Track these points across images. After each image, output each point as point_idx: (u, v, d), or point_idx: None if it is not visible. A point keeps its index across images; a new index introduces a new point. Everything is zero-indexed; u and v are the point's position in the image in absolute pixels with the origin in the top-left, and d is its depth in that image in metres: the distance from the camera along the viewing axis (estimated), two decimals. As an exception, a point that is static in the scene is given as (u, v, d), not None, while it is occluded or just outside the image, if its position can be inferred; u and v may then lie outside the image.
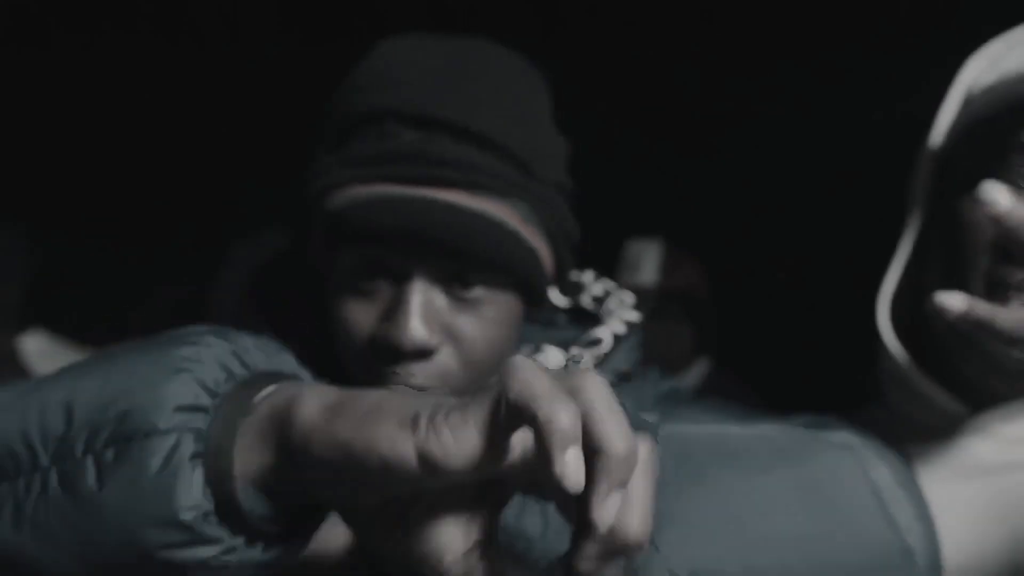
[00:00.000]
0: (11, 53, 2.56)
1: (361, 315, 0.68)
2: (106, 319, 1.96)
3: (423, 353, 0.66)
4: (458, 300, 0.68)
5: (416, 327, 0.65)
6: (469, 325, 0.67)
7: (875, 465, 0.59)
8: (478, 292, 0.68)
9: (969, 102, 0.80)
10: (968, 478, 0.75)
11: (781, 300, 1.90)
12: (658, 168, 2.24)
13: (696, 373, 1.77)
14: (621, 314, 0.76)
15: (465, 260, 0.67)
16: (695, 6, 2.23)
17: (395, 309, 0.66)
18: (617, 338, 0.75)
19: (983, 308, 0.55)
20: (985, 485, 0.75)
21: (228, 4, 2.47)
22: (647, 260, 1.72)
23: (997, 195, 0.55)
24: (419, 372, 0.66)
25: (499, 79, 0.70)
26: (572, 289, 0.79)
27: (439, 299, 0.67)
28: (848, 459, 0.60)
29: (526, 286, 0.70)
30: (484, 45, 0.72)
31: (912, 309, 0.80)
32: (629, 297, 0.77)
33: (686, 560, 0.52)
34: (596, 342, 0.74)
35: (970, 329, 0.56)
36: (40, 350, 1.73)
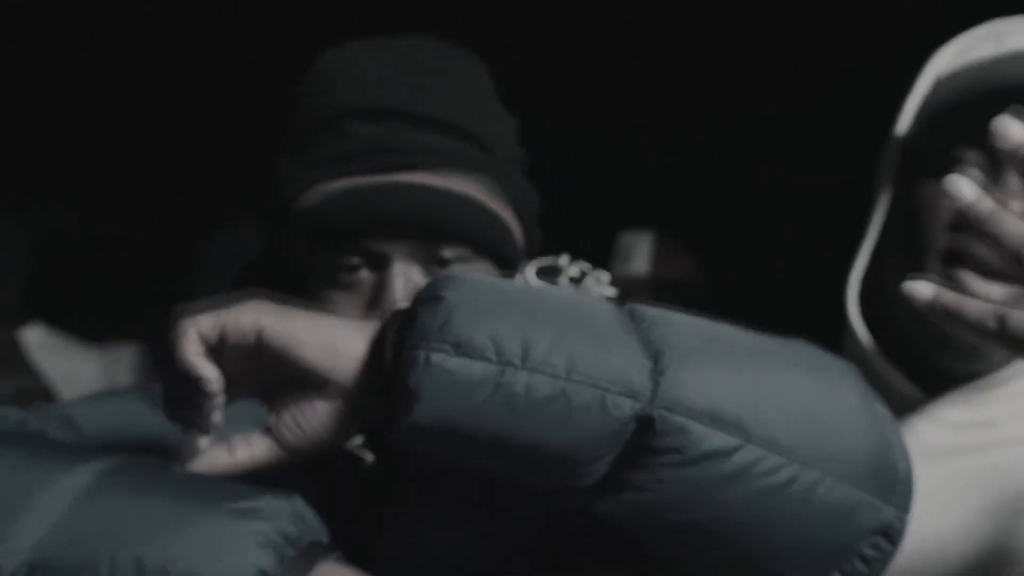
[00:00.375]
0: (11, 53, 2.57)
1: (347, 308, 0.70)
2: (105, 314, 1.97)
3: None
4: None
5: (406, 291, 0.68)
6: None
7: (862, 379, 0.61)
8: (455, 269, 0.70)
9: (936, 89, 0.83)
10: (917, 459, 0.77)
11: (774, 286, 1.92)
12: (650, 160, 2.27)
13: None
14: (597, 291, 0.77)
15: (440, 238, 0.69)
16: (689, 6, 2.24)
17: (379, 295, 0.69)
18: None
19: (950, 297, 0.56)
20: (932, 469, 0.77)
21: (228, 4, 2.48)
22: (640, 250, 1.75)
23: (962, 186, 0.55)
24: None
25: (444, 67, 0.74)
26: (550, 273, 0.81)
27: (419, 280, 0.70)
28: (841, 362, 0.61)
29: (500, 258, 0.73)
30: (426, 41, 0.76)
31: (875, 292, 0.83)
32: (605, 276, 0.79)
33: (707, 398, 0.53)
34: None
35: (938, 318, 0.57)
36: (40, 344, 1.74)
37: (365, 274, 0.70)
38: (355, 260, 0.70)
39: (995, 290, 0.71)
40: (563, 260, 0.81)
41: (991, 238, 0.55)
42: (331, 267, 0.70)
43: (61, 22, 2.61)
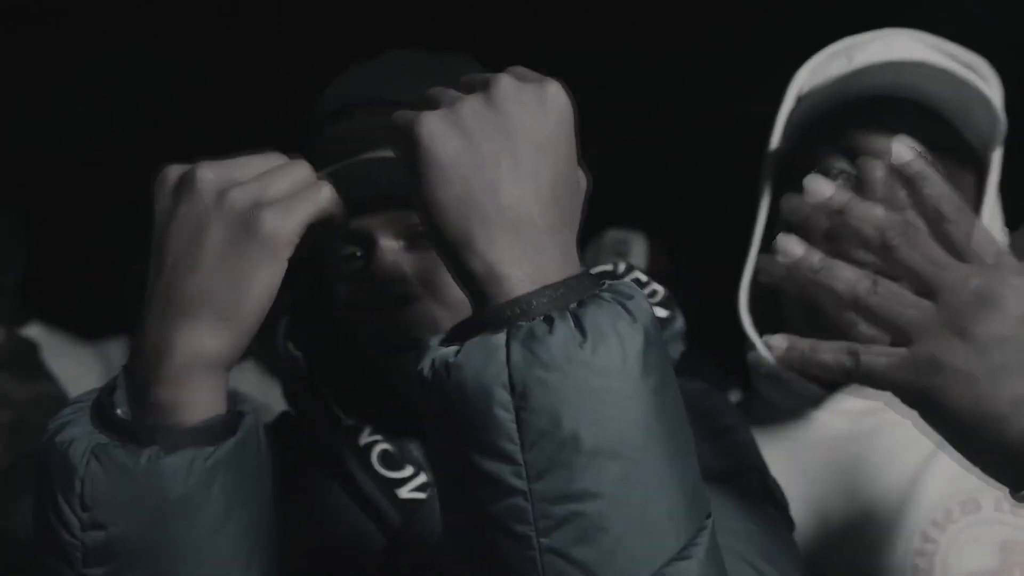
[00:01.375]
0: (10, 50, 2.58)
1: (355, 298, 0.74)
2: (102, 312, 1.98)
3: (403, 299, 0.71)
4: (423, 251, 0.73)
5: (390, 266, 0.71)
6: (440, 269, 0.71)
7: None
8: None
9: (798, 105, 0.91)
10: (820, 448, 0.87)
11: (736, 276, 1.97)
12: (635, 163, 2.30)
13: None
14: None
15: (408, 205, 0.70)
16: (678, 9, 2.26)
17: (368, 272, 0.73)
18: None
19: (804, 344, 0.59)
20: (836, 454, 0.87)
21: (228, 4, 2.48)
22: (636, 248, 1.85)
23: (820, 184, 0.61)
24: (405, 317, 0.71)
25: (401, 62, 0.78)
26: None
27: (404, 253, 0.72)
28: None
29: None
30: (394, 50, 0.80)
31: (768, 297, 0.90)
32: (661, 289, 0.78)
33: None
34: None
35: (795, 365, 0.60)
36: (43, 344, 1.74)
37: (363, 262, 0.73)
38: (350, 249, 0.73)
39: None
40: (620, 268, 0.81)
41: (827, 290, 0.58)
42: (334, 262, 0.74)
43: (60, 21, 2.61)
